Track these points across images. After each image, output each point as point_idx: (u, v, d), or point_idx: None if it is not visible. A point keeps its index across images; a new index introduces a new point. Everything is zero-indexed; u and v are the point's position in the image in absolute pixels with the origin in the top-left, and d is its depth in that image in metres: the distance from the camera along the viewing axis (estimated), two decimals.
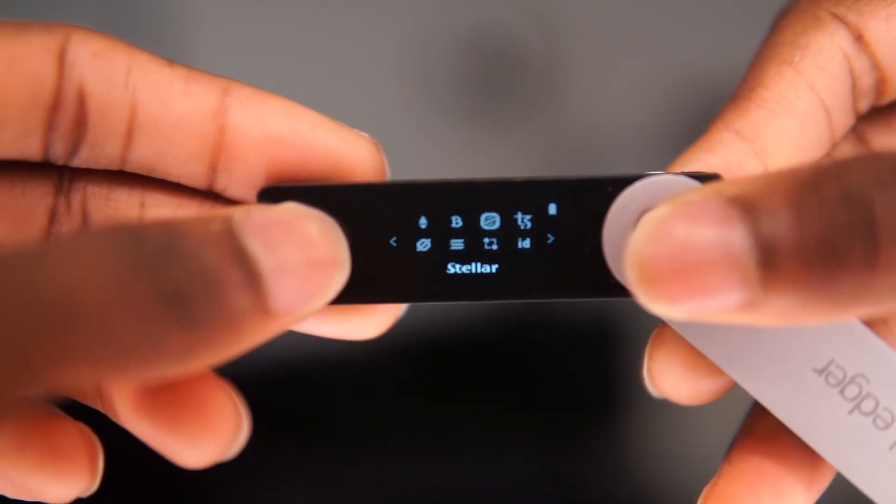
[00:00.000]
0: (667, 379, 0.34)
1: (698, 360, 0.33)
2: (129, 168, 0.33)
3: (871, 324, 0.33)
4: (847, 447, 0.32)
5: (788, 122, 0.34)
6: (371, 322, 0.34)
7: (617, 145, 0.96)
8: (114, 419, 0.32)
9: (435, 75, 0.96)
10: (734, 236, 0.27)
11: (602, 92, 0.97)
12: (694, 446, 0.90)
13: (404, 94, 0.96)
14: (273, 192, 0.32)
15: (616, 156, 0.96)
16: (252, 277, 0.28)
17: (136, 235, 0.27)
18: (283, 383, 0.84)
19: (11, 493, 0.33)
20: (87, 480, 0.33)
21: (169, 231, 0.27)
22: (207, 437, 0.31)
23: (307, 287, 0.29)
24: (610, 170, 0.95)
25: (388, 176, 0.34)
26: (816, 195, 0.27)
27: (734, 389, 0.35)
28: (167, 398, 0.30)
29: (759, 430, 0.34)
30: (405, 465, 0.89)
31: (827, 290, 0.27)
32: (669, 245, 0.28)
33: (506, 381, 0.92)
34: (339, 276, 0.30)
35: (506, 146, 0.97)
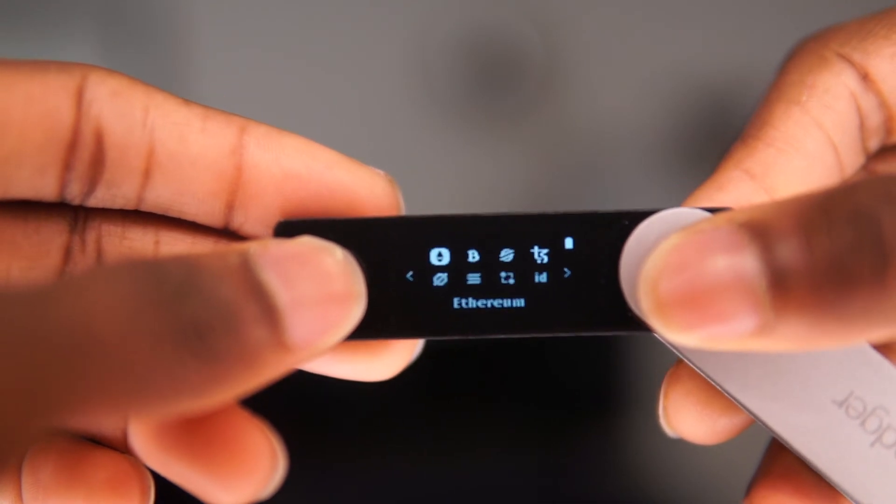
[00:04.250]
0: (682, 418, 0.34)
1: (714, 398, 0.34)
2: (145, 207, 0.33)
3: (885, 352, 0.33)
4: (869, 480, 0.32)
5: (797, 161, 0.34)
6: (385, 363, 0.34)
7: (617, 145, 0.97)
8: (146, 463, 0.32)
9: (436, 76, 0.97)
10: (745, 261, 0.28)
11: (602, 92, 0.97)
12: (693, 447, 0.90)
13: (405, 95, 0.97)
14: (289, 227, 0.32)
15: (616, 155, 0.97)
16: (269, 311, 0.28)
17: (153, 270, 0.27)
18: (284, 382, 0.85)
19: None
20: None
21: (186, 265, 0.27)
22: (242, 476, 0.30)
23: (324, 321, 0.29)
24: (609, 168, 0.95)
25: (403, 209, 0.34)
26: (825, 217, 0.27)
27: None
28: (201, 437, 0.30)
29: (777, 468, 0.34)
30: (405, 464, 0.89)
31: (838, 310, 0.27)
32: (682, 272, 0.28)
33: (506, 380, 0.92)
34: (356, 310, 0.30)
35: (506, 146, 0.97)
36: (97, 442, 0.34)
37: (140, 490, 0.33)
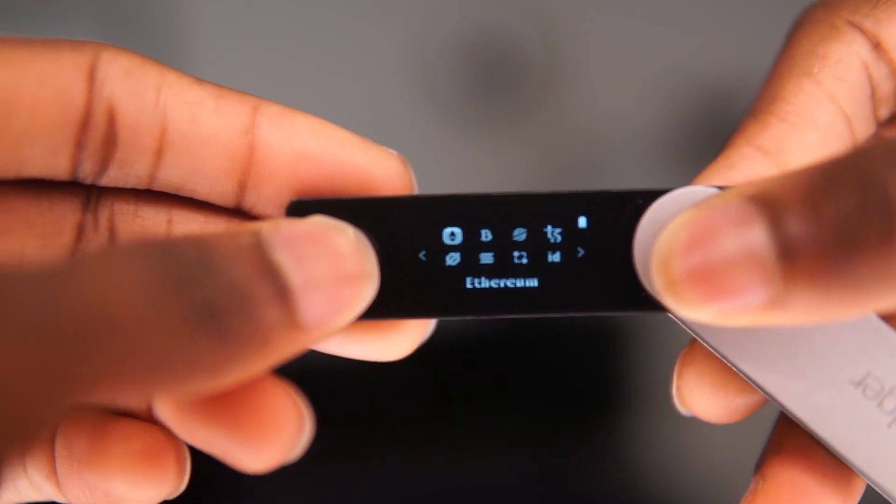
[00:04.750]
0: (696, 398, 0.34)
1: (728, 377, 0.33)
2: (157, 187, 0.33)
3: None
4: (886, 461, 0.32)
5: (810, 135, 0.34)
6: (397, 343, 0.34)
7: (617, 144, 0.97)
8: (173, 431, 0.32)
9: (436, 76, 0.97)
10: (754, 234, 0.28)
11: (602, 92, 0.97)
12: (695, 446, 0.90)
13: (405, 95, 0.97)
14: (302, 206, 0.32)
15: (616, 154, 0.97)
16: (281, 291, 0.28)
17: (166, 250, 0.27)
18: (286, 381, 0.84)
19: (90, 502, 0.33)
20: (175, 481, 0.33)
21: (199, 246, 0.27)
22: (270, 439, 0.30)
23: (336, 301, 0.29)
24: (609, 168, 0.95)
25: (416, 189, 0.34)
26: (830, 184, 0.27)
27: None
28: (226, 402, 0.30)
29: (790, 444, 0.34)
30: (406, 464, 0.89)
31: (848, 278, 0.27)
32: (693, 248, 0.28)
33: (507, 380, 0.92)
34: (369, 290, 0.30)
35: (506, 146, 0.97)
36: (127, 415, 0.34)
37: (176, 460, 0.33)
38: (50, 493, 0.33)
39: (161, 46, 0.94)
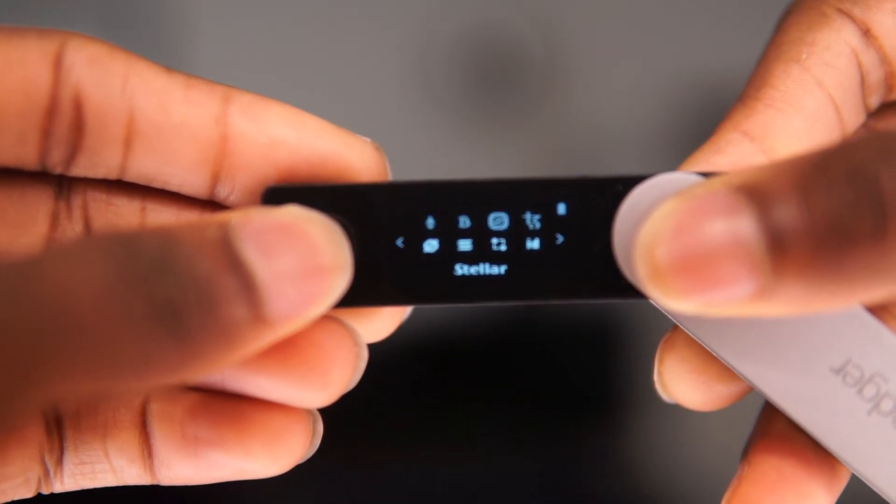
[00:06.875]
0: (678, 384, 0.34)
1: (710, 364, 0.33)
2: (128, 178, 0.32)
3: (884, 316, 0.33)
4: (866, 448, 0.31)
5: (797, 121, 0.33)
6: (376, 326, 0.33)
7: (617, 144, 0.96)
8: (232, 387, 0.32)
9: (436, 75, 0.97)
10: (742, 225, 0.27)
11: (603, 91, 0.97)
12: (696, 445, 0.89)
13: (405, 95, 0.96)
14: (277, 193, 0.32)
15: (617, 155, 0.96)
16: (247, 286, 0.27)
17: (130, 245, 0.26)
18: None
19: (205, 477, 0.33)
20: (309, 446, 0.33)
21: (163, 239, 0.27)
22: (329, 375, 0.31)
23: (305, 294, 0.29)
24: (611, 169, 0.95)
25: (390, 178, 0.34)
26: (822, 176, 0.27)
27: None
28: (280, 349, 0.30)
29: (775, 430, 0.34)
30: (405, 464, 0.89)
31: (838, 270, 0.27)
32: (678, 238, 0.28)
33: (508, 380, 0.92)
34: (340, 282, 0.30)
35: (506, 146, 0.97)
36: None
37: (314, 423, 0.33)
38: (132, 475, 0.33)
39: (161, 46, 0.94)
